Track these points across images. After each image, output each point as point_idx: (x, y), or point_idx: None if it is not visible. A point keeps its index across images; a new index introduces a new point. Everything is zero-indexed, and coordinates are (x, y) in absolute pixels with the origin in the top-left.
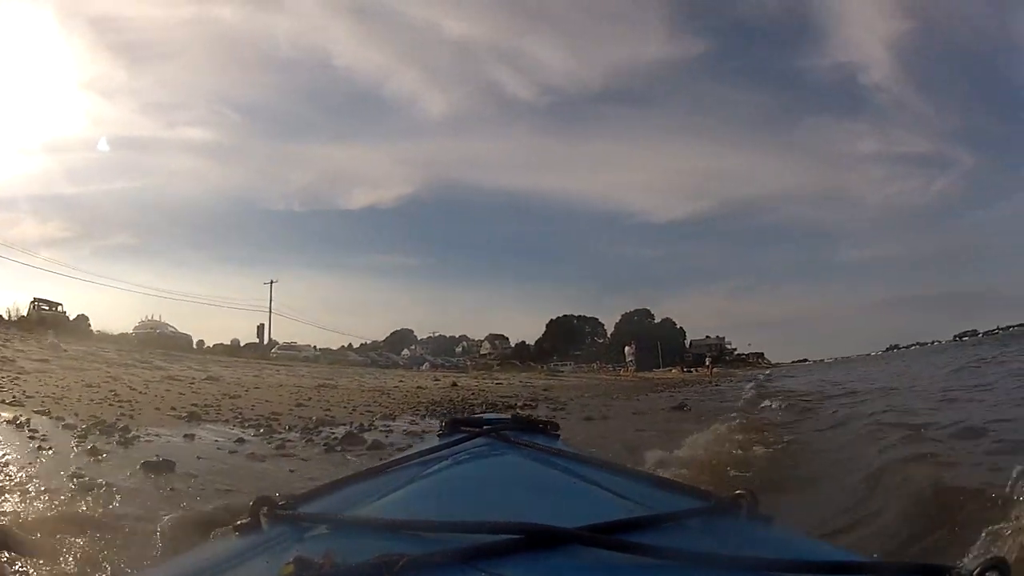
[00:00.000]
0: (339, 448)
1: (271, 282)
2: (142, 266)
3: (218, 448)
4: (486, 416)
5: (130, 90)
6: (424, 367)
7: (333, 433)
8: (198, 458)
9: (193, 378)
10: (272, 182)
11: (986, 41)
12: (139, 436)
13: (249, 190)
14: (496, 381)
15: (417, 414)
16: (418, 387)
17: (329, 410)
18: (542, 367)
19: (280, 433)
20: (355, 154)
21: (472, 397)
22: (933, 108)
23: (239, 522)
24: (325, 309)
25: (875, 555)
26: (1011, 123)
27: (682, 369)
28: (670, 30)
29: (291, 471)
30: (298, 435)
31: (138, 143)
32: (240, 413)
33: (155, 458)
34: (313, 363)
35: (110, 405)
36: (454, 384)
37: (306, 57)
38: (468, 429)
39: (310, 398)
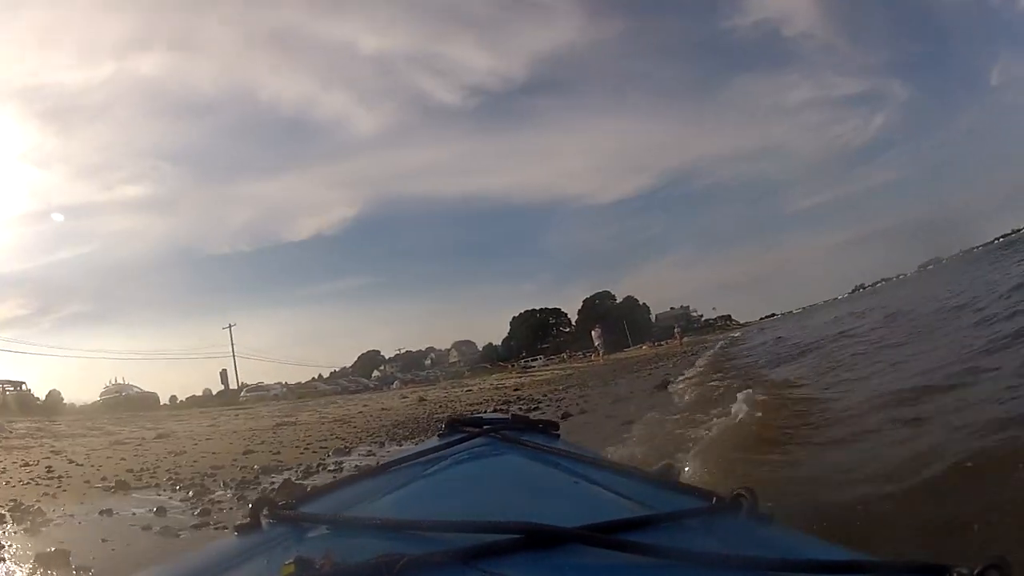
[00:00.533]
0: None
1: (230, 326)
2: (102, 331)
3: (131, 524)
4: (486, 416)
5: (64, 157)
6: (394, 385)
7: (273, 483)
8: (103, 541)
9: (142, 438)
10: (216, 226)
11: None
12: (51, 519)
13: (194, 238)
14: (466, 389)
15: (376, 441)
16: (383, 409)
17: (279, 453)
18: (513, 366)
19: (211, 493)
20: (293, 184)
21: (439, 410)
22: (860, 46)
23: (239, 522)
24: (290, 344)
25: (875, 554)
26: (937, 45)
27: (653, 344)
28: (586, 13)
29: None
30: (231, 493)
31: (79, 209)
32: (177, 473)
33: (51, 549)
34: (282, 400)
35: (36, 485)
36: (421, 399)
37: (230, 95)
38: (468, 429)
39: (264, 441)
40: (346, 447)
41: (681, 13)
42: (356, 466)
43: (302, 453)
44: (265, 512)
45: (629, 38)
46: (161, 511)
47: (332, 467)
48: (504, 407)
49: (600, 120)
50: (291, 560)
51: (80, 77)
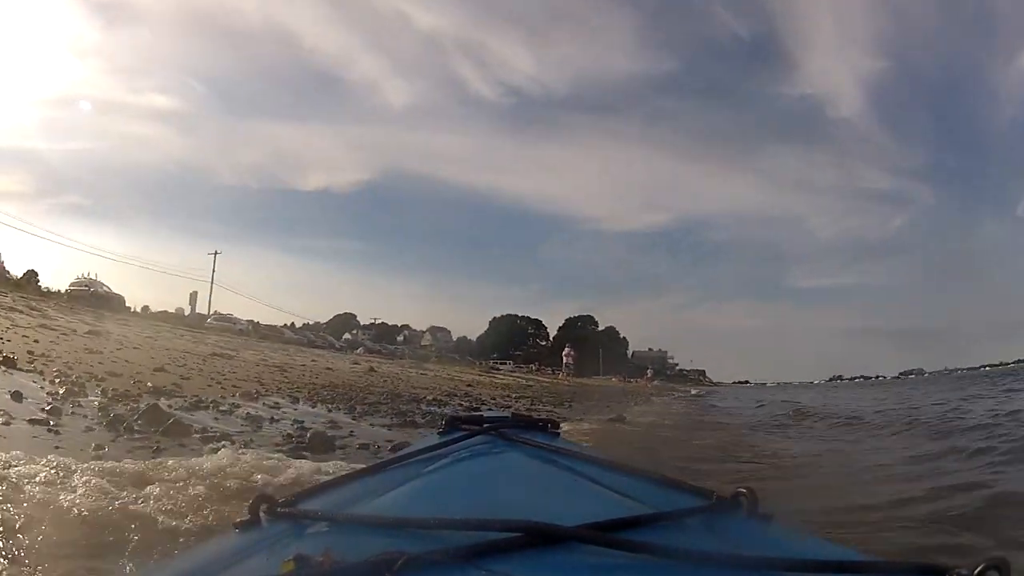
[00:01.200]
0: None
1: (215, 253)
2: (93, 227)
3: None
4: (486, 414)
5: (101, 51)
6: (359, 351)
7: (138, 407)
8: None
9: (73, 330)
10: (229, 157)
11: (953, 82)
12: None
13: (206, 162)
14: (422, 372)
15: (292, 397)
16: (327, 368)
17: (187, 379)
18: (480, 364)
19: (82, 397)
20: (314, 136)
21: (381, 385)
22: (895, 145)
23: (239, 519)
24: (271, 288)
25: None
26: (973, 162)
27: (623, 378)
28: (639, 43)
29: None
30: (98, 403)
31: (103, 105)
32: (71, 368)
33: None
34: (243, 336)
35: None
36: (371, 370)
37: (274, 34)
38: (468, 427)
39: (184, 365)
40: (257, 393)
41: (733, 66)
42: (247, 415)
43: (208, 386)
44: (264, 509)
45: (676, 77)
46: (17, 396)
47: (227, 407)
48: (445, 399)
49: (628, 150)
50: (291, 557)
51: None
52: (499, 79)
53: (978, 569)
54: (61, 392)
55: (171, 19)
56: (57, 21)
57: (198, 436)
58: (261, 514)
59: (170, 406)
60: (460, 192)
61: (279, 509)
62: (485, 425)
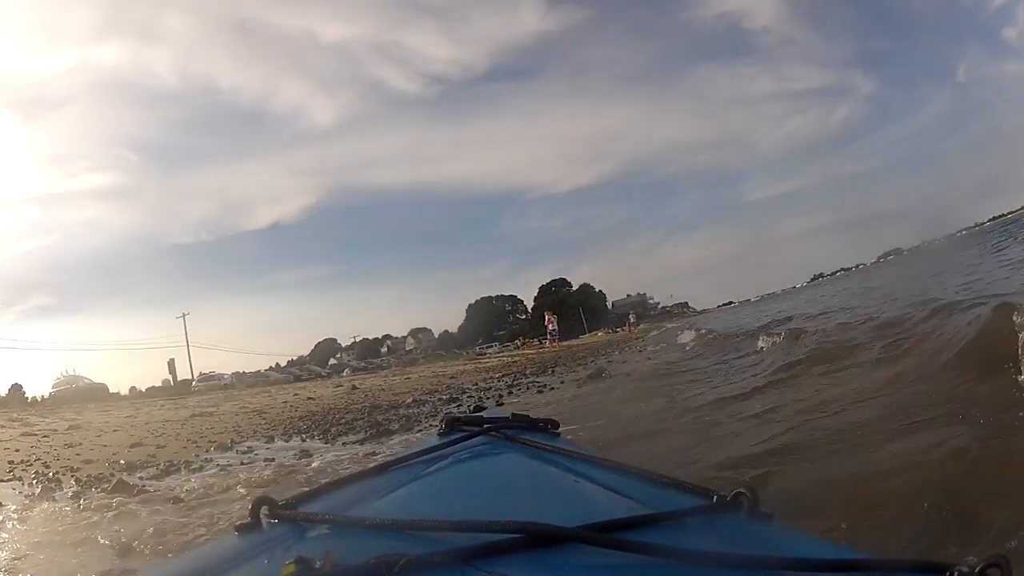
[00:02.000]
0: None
1: (184, 315)
2: (63, 322)
3: None
4: (486, 415)
5: (29, 146)
6: (344, 373)
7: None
8: None
9: (54, 430)
10: (178, 216)
11: None
12: None
13: (157, 228)
14: (405, 377)
15: (267, 438)
16: (309, 398)
17: (164, 447)
18: (467, 353)
19: (58, 491)
20: (253, 173)
21: (361, 400)
22: (823, 39)
23: (240, 522)
24: (248, 334)
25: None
26: (901, 39)
27: (608, 331)
28: (546, 1)
29: None
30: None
31: (44, 199)
32: (47, 466)
33: None
34: (230, 388)
35: None
36: (354, 388)
37: (192, 85)
38: (468, 428)
39: (161, 434)
40: (232, 443)
41: (642, 2)
42: (220, 466)
43: (184, 448)
44: (265, 511)
45: (590, 26)
46: None
47: (196, 466)
48: (426, 397)
49: (560, 108)
50: (292, 560)
51: (44, 66)
52: (419, 71)
53: (979, 567)
54: (37, 492)
55: (89, 96)
56: None
57: (159, 498)
58: (262, 516)
59: (140, 477)
60: (407, 191)
61: (280, 511)
62: (485, 426)
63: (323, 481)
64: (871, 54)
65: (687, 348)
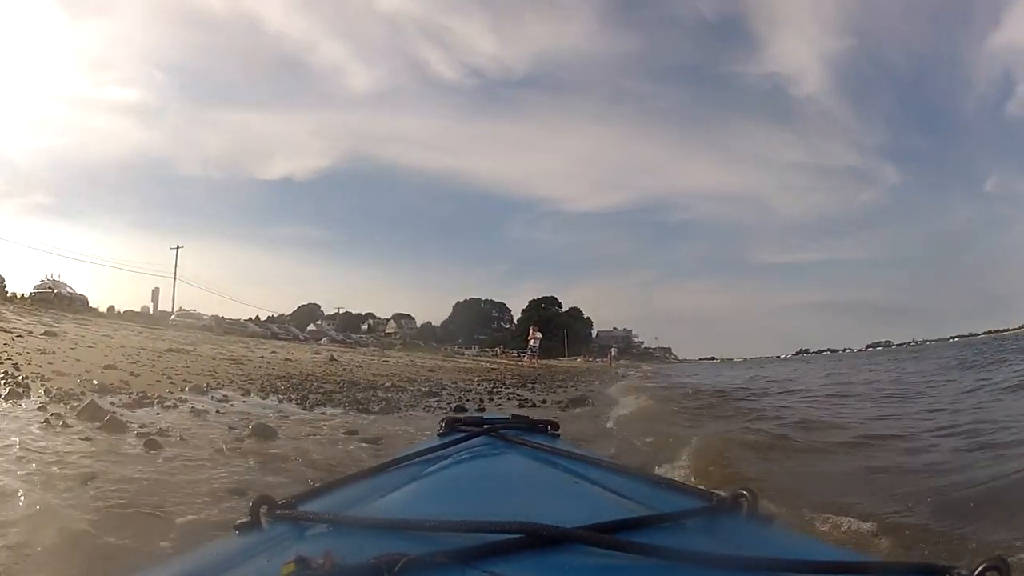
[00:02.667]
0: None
1: (177, 247)
2: (59, 225)
3: None
4: (486, 415)
5: (66, 46)
6: (322, 341)
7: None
8: None
9: (30, 332)
10: (192, 147)
11: (919, 62)
12: None
13: (169, 154)
14: (384, 359)
15: (243, 390)
16: (286, 359)
17: (137, 375)
18: (446, 349)
19: (24, 399)
20: (276, 123)
21: (339, 374)
22: (862, 124)
23: (239, 521)
24: (235, 280)
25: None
26: (939, 139)
27: (587, 359)
28: (602, 21)
29: None
30: (41, 401)
31: (68, 101)
32: (18, 369)
33: None
34: (207, 330)
35: None
36: (332, 359)
37: (238, 19)
38: (468, 428)
39: (137, 362)
40: (207, 387)
41: (696, 45)
42: (194, 409)
43: (158, 382)
44: (264, 511)
45: (639, 55)
46: None
47: (170, 403)
48: (405, 384)
49: (590, 129)
50: (291, 559)
51: None
52: (461, 60)
53: (978, 570)
54: (4, 394)
55: (135, 6)
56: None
57: (133, 432)
58: (261, 516)
59: (112, 403)
60: (422, 176)
61: (279, 511)
62: (485, 426)
63: (325, 481)
64: (906, 148)
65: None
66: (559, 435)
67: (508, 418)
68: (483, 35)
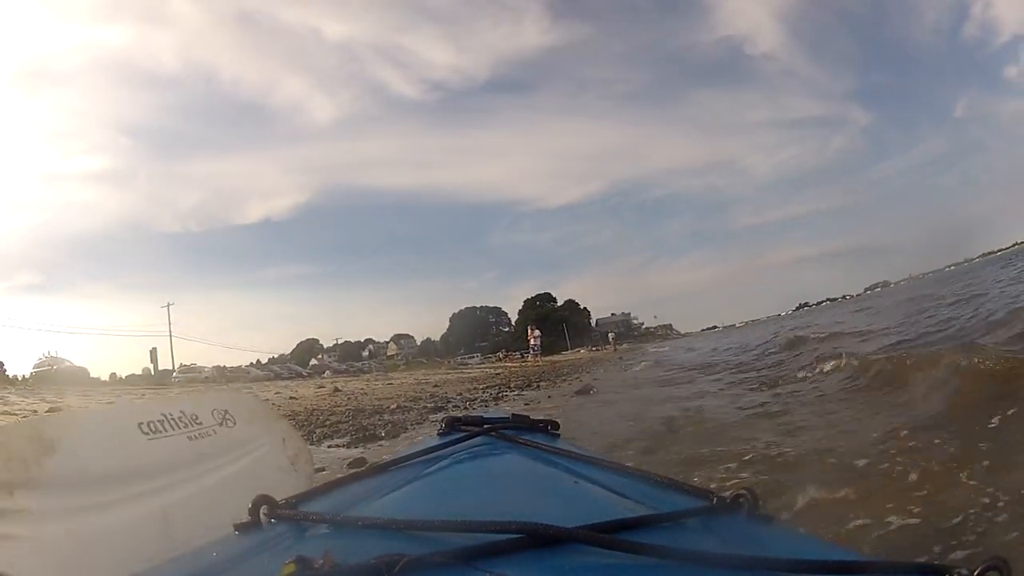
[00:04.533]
0: None
1: (168, 305)
2: (49, 303)
3: None
4: (486, 415)
5: (28, 121)
6: (325, 374)
7: None
8: None
9: (35, 411)
10: (167, 204)
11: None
12: None
13: (146, 215)
14: (388, 382)
15: None
16: (291, 397)
17: None
18: (449, 362)
19: None
20: (247, 167)
21: (344, 404)
22: (823, 71)
23: (239, 522)
24: (231, 328)
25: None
26: (902, 77)
27: (590, 348)
28: (552, 16)
29: None
30: None
31: (40, 177)
32: None
33: None
34: (210, 383)
35: None
36: (336, 390)
37: (193, 72)
38: (468, 428)
39: None
40: None
41: (646, 23)
42: None
43: None
44: (265, 511)
45: (592, 44)
46: None
47: None
48: (410, 404)
49: (557, 123)
50: (291, 559)
51: (51, 40)
52: (420, 76)
53: (978, 569)
54: None
55: (91, 75)
56: None
57: None
58: (261, 516)
59: None
60: (399, 195)
61: (279, 511)
62: (485, 426)
63: (325, 481)
64: (870, 88)
65: None
66: (559, 435)
67: (508, 417)
68: (438, 48)
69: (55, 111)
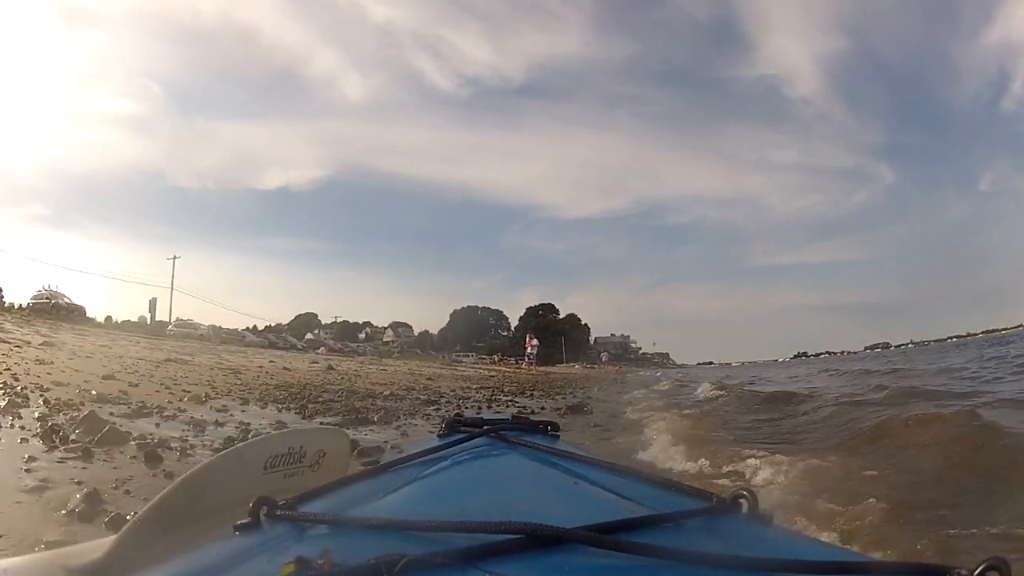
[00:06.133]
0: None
1: (174, 257)
2: (56, 238)
3: None
4: (486, 416)
5: (63, 56)
6: (320, 351)
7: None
8: None
9: (27, 342)
10: (187, 159)
11: (913, 60)
12: None
13: (164, 165)
14: (382, 368)
15: (242, 400)
16: (285, 368)
17: (136, 385)
18: (443, 357)
19: (23, 407)
20: (272, 133)
21: (338, 383)
22: (856, 123)
23: (239, 522)
24: (233, 291)
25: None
26: (934, 139)
27: (584, 365)
28: (596, 28)
29: None
30: (40, 412)
31: (63, 113)
32: (16, 379)
33: None
34: (204, 340)
35: None
36: (330, 368)
37: (232, 31)
38: (468, 429)
39: (136, 371)
40: (206, 397)
41: (689, 50)
42: (193, 419)
43: (156, 392)
44: (265, 511)
45: (632, 61)
46: None
47: (168, 413)
48: (404, 393)
49: (584, 135)
50: (291, 560)
51: None
52: (455, 70)
53: (978, 569)
54: (3, 404)
55: (129, 19)
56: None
57: (134, 443)
58: (261, 516)
59: (111, 413)
60: (418, 185)
61: (279, 511)
62: (485, 427)
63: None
64: (900, 146)
65: None
66: (559, 436)
67: (508, 419)
68: (477, 45)
69: (88, 50)
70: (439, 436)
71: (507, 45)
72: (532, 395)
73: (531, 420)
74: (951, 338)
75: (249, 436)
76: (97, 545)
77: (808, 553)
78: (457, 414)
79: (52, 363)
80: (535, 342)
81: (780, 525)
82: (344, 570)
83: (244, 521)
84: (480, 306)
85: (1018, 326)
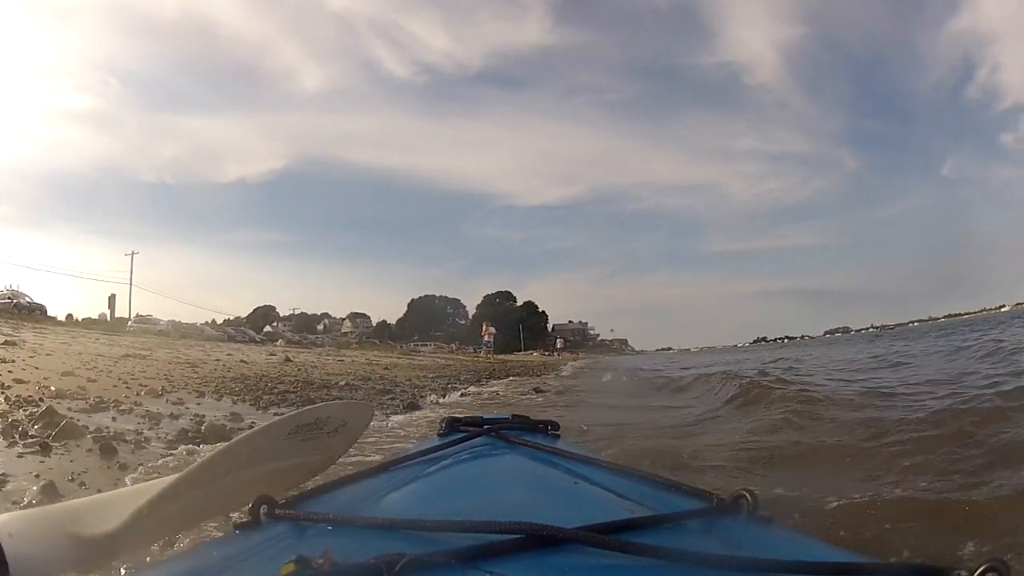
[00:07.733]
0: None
1: (132, 254)
2: (18, 237)
3: None
4: (486, 415)
5: (26, 54)
6: (278, 343)
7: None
8: None
9: None
10: (147, 153)
11: (875, 48)
12: None
13: (124, 161)
14: (339, 359)
15: (197, 392)
16: (242, 361)
17: (94, 381)
18: (401, 347)
19: None
20: (230, 126)
21: (294, 374)
22: (816, 110)
23: (240, 521)
24: (192, 285)
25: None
26: (896, 127)
27: (542, 353)
28: (555, 17)
29: None
30: None
31: (28, 109)
32: None
33: None
34: (164, 335)
35: None
36: (287, 360)
37: (192, 24)
38: (468, 428)
39: (95, 367)
40: (163, 390)
41: (648, 38)
42: (149, 412)
43: (114, 386)
44: (265, 510)
45: (591, 50)
46: None
47: (125, 407)
48: (359, 383)
49: (542, 124)
50: (291, 559)
51: None
52: (413, 58)
53: (978, 570)
54: None
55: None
56: None
57: (91, 437)
58: (261, 515)
59: (70, 408)
60: (375, 175)
61: (279, 510)
62: (485, 427)
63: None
64: (861, 133)
65: None
66: (559, 435)
67: (508, 418)
68: (435, 32)
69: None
70: (439, 435)
71: (465, 33)
72: (487, 382)
73: (531, 420)
74: (912, 322)
75: (203, 428)
76: (105, 502)
77: (808, 554)
78: (456, 416)
79: (13, 361)
80: (492, 330)
81: (780, 525)
82: (344, 569)
83: (244, 520)
84: (438, 295)
85: (981, 310)
